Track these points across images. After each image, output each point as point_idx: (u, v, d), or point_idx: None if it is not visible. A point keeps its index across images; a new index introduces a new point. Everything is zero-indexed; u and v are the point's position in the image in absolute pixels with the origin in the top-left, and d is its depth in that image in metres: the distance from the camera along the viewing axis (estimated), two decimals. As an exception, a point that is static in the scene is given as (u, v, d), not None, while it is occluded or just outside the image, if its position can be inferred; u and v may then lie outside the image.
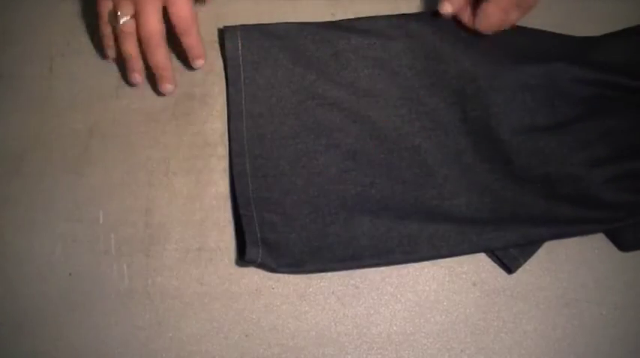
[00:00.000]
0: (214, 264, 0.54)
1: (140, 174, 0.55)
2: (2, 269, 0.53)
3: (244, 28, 0.56)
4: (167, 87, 0.55)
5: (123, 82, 0.57)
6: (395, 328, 0.53)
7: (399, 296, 0.54)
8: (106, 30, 0.55)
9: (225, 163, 0.55)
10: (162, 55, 0.53)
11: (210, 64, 0.57)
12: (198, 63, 0.56)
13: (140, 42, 0.53)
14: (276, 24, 0.56)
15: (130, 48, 0.53)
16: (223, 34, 0.56)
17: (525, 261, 0.54)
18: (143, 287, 0.53)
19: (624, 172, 0.54)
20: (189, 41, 0.54)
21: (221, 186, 0.55)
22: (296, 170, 0.54)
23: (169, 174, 0.55)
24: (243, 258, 0.52)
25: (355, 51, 0.56)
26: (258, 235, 0.52)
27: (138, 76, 0.55)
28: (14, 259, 0.53)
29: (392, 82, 0.56)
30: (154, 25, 0.52)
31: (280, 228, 0.53)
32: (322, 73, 0.55)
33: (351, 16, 0.58)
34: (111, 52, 0.56)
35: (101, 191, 0.55)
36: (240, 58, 0.55)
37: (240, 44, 0.55)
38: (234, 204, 0.54)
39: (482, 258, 0.55)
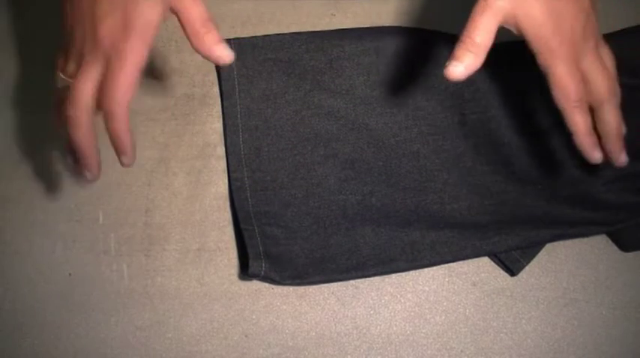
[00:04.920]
0: (214, 265, 0.54)
1: (140, 174, 0.55)
2: (2, 270, 0.53)
3: (237, 41, 0.56)
4: (87, 176, 0.43)
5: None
6: (395, 328, 0.53)
7: (398, 296, 0.54)
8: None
9: (225, 163, 0.55)
10: (84, 139, 0.41)
11: (209, 63, 0.57)
12: (125, 160, 0.42)
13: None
14: (269, 35, 0.56)
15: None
16: None
17: (527, 262, 0.54)
18: (143, 287, 0.53)
19: (625, 173, 0.54)
20: (116, 128, 0.41)
21: (221, 186, 0.55)
22: (295, 182, 0.54)
23: (169, 174, 0.55)
24: (246, 271, 0.52)
25: (350, 58, 0.55)
26: (261, 249, 0.52)
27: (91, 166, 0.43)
28: (14, 259, 0.54)
29: (388, 88, 0.55)
30: (81, 95, 0.40)
31: (282, 240, 0.53)
32: (317, 82, 0.55)
33: (351, 17, 0.58)
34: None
35: (101, 191, 0.55)
36: (235, 72, 0.55)
37: (234, 57, 0.55)
38: (234, 215, 0.54)
39: (482, 258, 0.55)
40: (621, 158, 0.46)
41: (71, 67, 0.42)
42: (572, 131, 0.44)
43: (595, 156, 0.45)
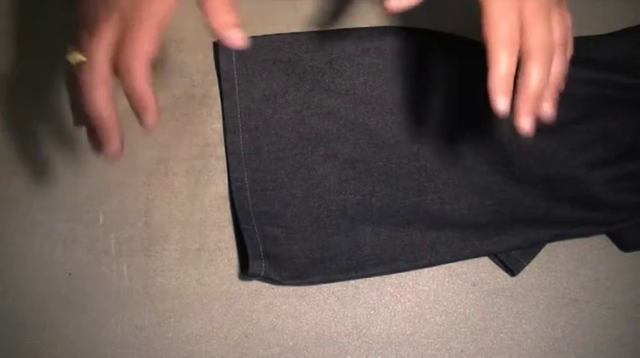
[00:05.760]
0: (214, 265, 0.54)
1: (140, 174, 0.55)
2: (2, 269, 0.53)
3: None
4: (109, 151, 0.40)
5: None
6: (395, 328, 0.53)
7: (398, 296, 0.54)
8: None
9: (225, 163, 0.55)
10: (102, 103, 0.38)
11: (209, 63, 0.57)
12: (150, 118, 0.38)
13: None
14: (269, 35, 0.56)
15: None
16: (217, 47, 0.56)
17: (527, 262, 0.54)
18: (143, 287, 0.53)
19: (625, 173, 0.54)
20: (136, 85, 0.38)
21: (221, 186, 0.55)
22: (295, 182, 0.54)
23: (169, 174, 0.55)
24: (246, 271, 0.52)
25: (350, 58, 0.55)
26: (261, 249, 0.52)
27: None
28: (14, 259, 0.53)
29: (387, 88, 0.55)
30: (97, 56, 0.38)
31: (282, 240, 0.53)
32: (317, 82, 0.55)
33: (351, 17, 0.58)
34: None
35: (101, 191, 0.55)
36: (235, 72, 0.55)
37: (234, 58, 0.55)
38: (234, 215, 0.54)
39: (482, 258, 0.55)
40: (523, 123, 0.40)
41: (86, 40, 0.39)
42: (489, 71, 0.39)
43: (499, 103, 0.39)
